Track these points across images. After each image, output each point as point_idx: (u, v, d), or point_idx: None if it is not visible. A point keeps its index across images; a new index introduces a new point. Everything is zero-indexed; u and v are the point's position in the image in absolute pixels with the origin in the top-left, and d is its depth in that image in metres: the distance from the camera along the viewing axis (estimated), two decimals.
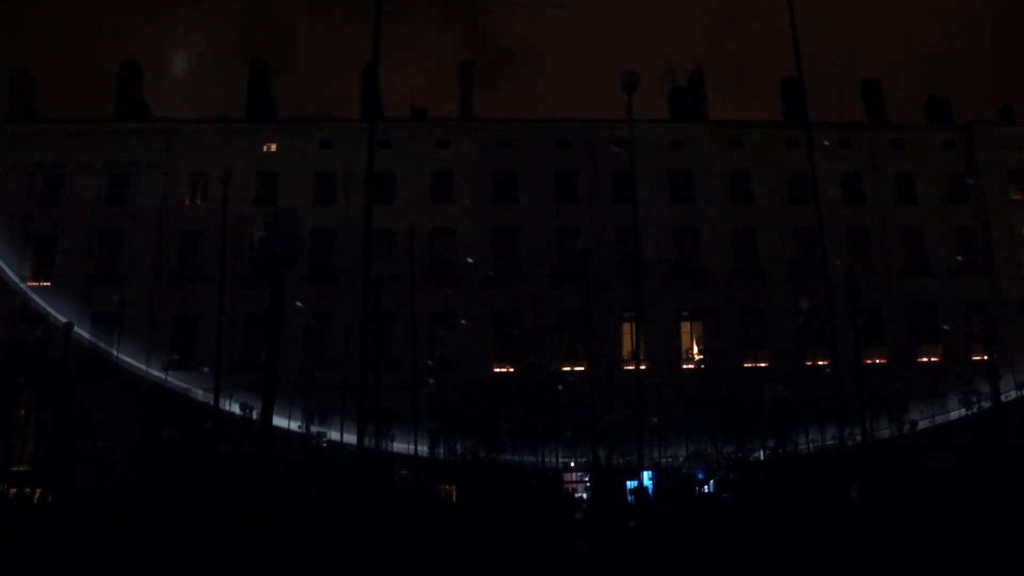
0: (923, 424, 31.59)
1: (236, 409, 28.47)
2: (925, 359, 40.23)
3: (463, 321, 39.31)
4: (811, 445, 27.46)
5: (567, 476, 33.07)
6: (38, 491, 26.30)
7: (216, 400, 21.91)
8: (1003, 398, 15.49)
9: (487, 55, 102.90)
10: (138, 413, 30.30)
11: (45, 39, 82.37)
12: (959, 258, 41.88)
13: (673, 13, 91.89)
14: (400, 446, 28.68)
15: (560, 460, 31.33)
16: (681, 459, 27.39)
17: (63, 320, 32.37)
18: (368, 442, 14.23)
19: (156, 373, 34.96)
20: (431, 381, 31.93)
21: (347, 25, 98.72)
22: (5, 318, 34.78)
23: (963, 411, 27.07)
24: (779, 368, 35.19)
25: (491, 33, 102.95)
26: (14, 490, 25.69)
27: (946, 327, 40.08)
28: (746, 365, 36.53)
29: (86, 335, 35.81)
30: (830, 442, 24.77)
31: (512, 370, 38.10)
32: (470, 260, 39.94)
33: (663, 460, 29.87)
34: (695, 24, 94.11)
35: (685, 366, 39.49)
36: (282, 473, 18.92)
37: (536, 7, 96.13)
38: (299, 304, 28.27)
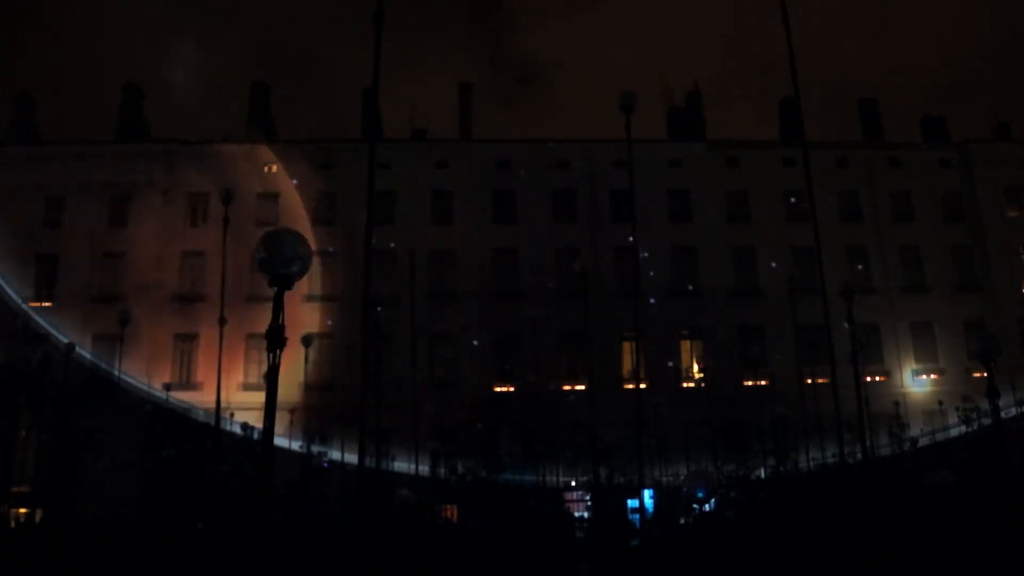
0: (923, 442, 31.54)
1: (237, 429, 28.42)
2: (924, 376, 40.31)
3: (463, 341, 39.34)
4: (811, 463, 27.41)
5: (568, 495, 32.98)
6: (39, 512, 26.25)
7: (217, 420, 21.95)
8: (1003, 415, 15.48)
9: (506, 76, 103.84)
10: (139, 433, 30.23)
11: (47, 62, 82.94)
12: (956, 275, 42.05)
13: (678, 36, 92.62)
14: (401, 466, 28.63)
15: (561, 479, 31.26)
16: (682, 478, 27.31)
17: (64, 340, 32.39)
18: (369, 462, 14.26)
19: (157, 393, 35.00)
20: (431, 401, 31.94)
21: (351, 45, 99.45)
22: (6, 338, 34.80)
23: (963, 428, 26.99)
24: (779, 386, 35.19)
25: (508, 54, 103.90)
26: (24, 510, 25.55)
27: (944, 344, 40.18)
28: (746, 383, 36.52)
29: (87, 355, 35.89)
30: (831, 460, 24.73)
31: (512, 390, 38.11)
32: (470, 279, 40.04)
33: (664, 479, 29.82)
34: (698, 45, 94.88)
35: (685, 385, 39.49)
36: (282, 493, 18.92)
37: (555, 28, 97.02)
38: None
